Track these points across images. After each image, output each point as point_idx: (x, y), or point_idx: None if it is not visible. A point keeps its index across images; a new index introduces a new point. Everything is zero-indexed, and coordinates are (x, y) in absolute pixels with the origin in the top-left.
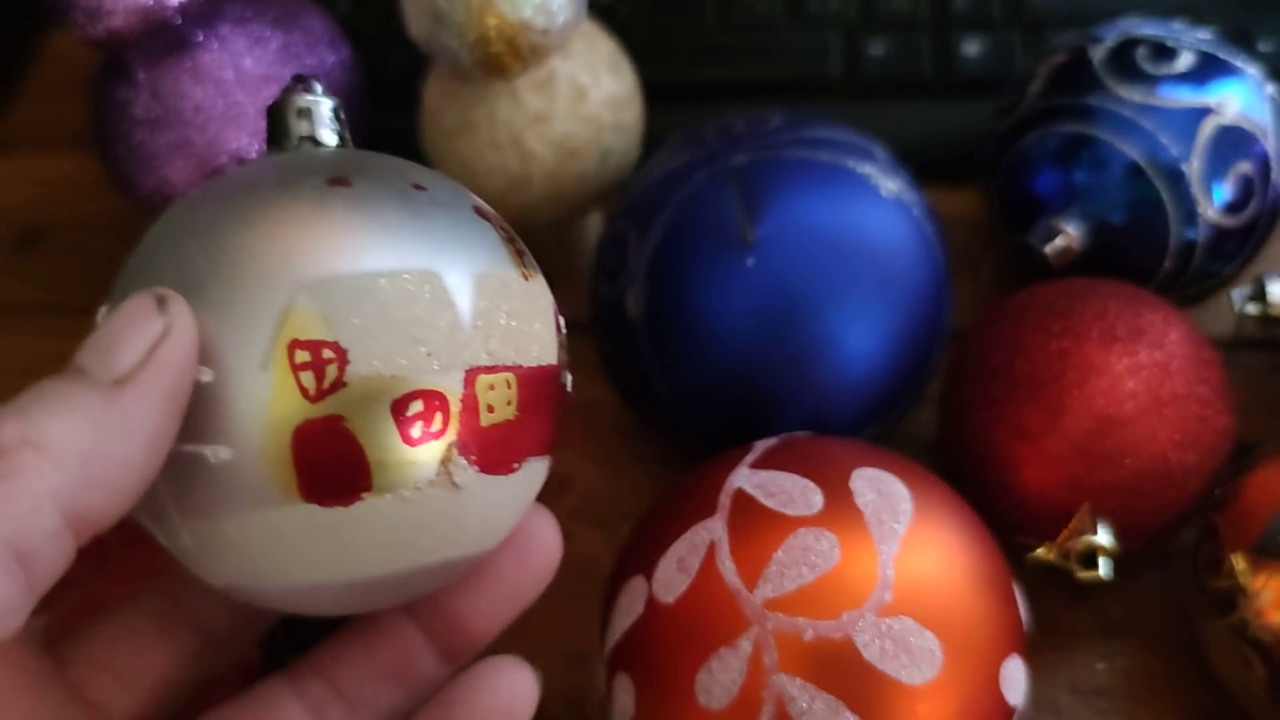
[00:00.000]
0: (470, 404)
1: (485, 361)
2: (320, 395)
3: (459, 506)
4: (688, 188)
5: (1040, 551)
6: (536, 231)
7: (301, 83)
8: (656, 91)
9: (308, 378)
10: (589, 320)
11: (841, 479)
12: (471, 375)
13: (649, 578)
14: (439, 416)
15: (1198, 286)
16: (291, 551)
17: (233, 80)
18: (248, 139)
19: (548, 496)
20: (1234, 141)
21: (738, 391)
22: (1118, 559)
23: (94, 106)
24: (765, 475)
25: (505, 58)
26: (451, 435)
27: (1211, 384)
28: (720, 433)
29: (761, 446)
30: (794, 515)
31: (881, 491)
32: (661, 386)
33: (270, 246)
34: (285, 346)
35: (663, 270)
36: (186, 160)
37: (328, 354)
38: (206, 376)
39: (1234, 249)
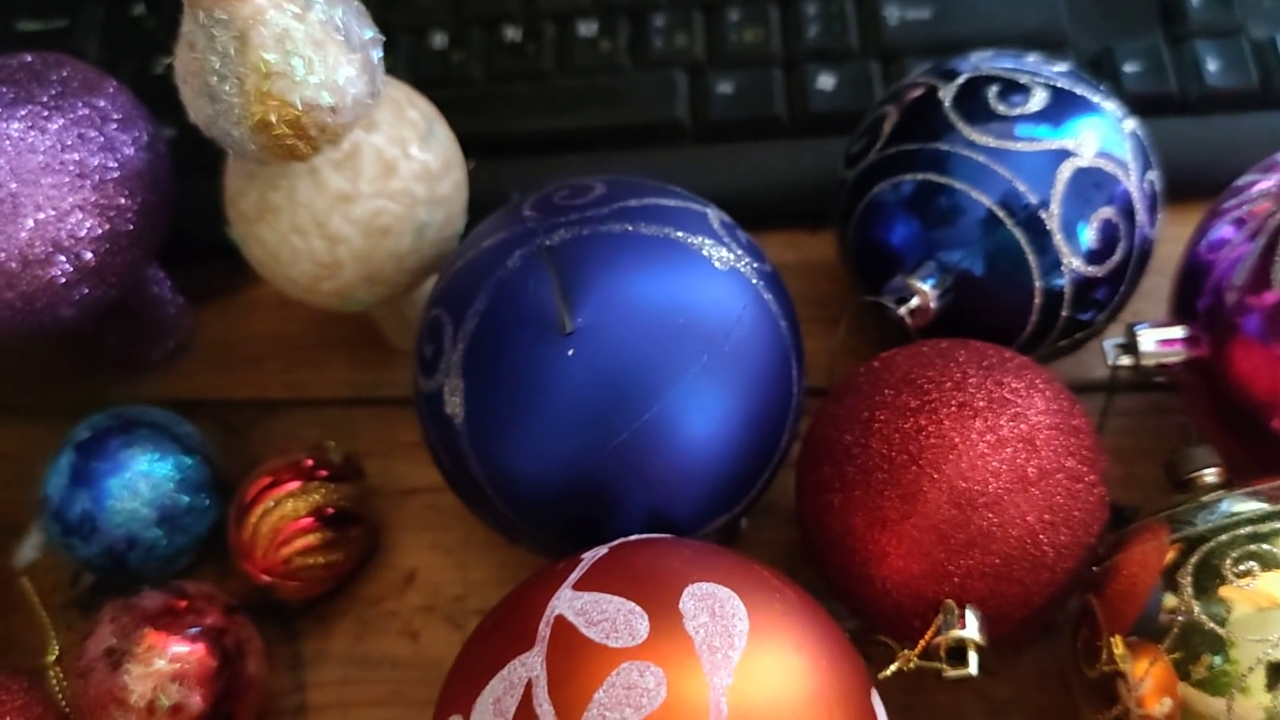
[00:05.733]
0: None
1: None
2: None
3: None
4: (503, 270)
5: (896, 665)
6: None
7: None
8: (496, 143)
9: None
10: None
11: (671, 599)
12: None
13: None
14: None
15: (1069, 339)
16: None
17: (6, 170)
18: (26, 235)
19: (392, 592)
20: (1095, 184)
21: (568, 492)
22: (989, 650)
23: None
24: (588, 598)
25: (292, 141)
26: None
27: (1081, 454)
28: (557, 534)
29: (589, 559)
30: (617, 647)
31: (715, 612)
32: (489, 488)
33: None
34: None
35: (479, 364)
36: None
37: None
38: None
39: (1103, 297)
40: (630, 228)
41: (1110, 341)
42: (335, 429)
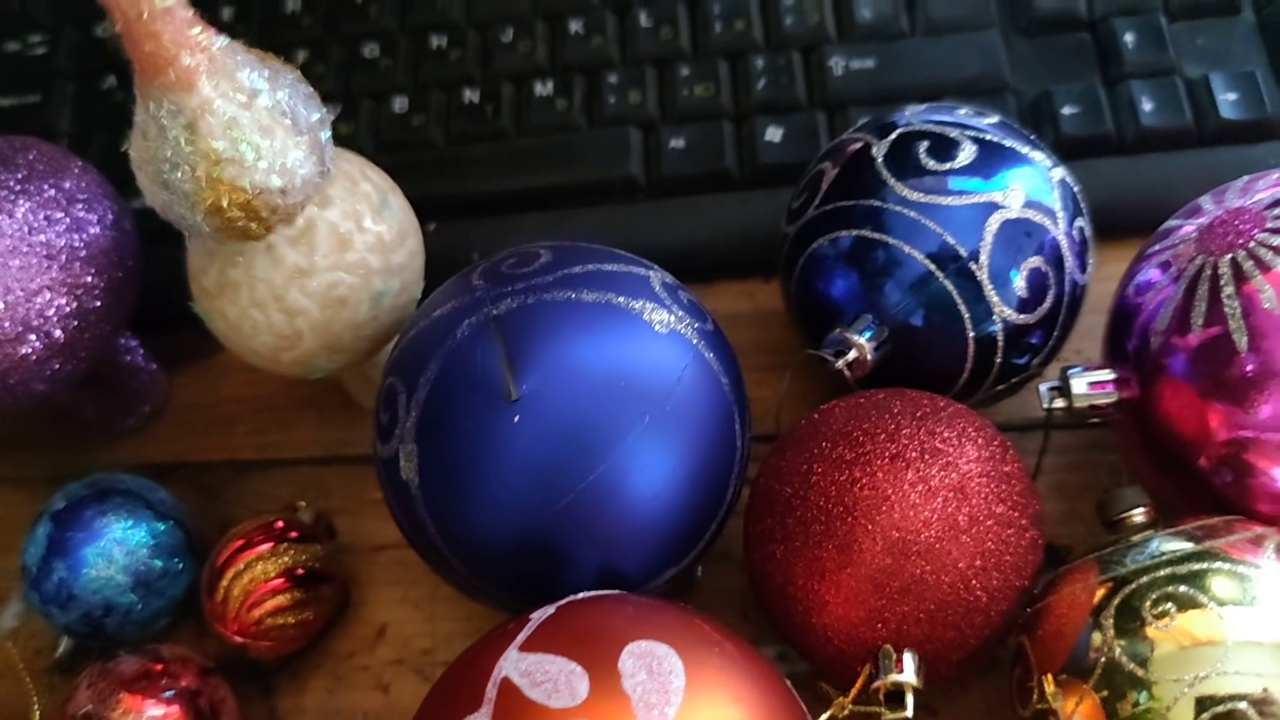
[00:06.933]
0: None
1: None
2: None
3: None
4: (453, 339)
5: (829, 714)
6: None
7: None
8: (458, 204)
9: None
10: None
11: (611, 658)
12: None
13: None
14: None
15: (1006, 384)
16: None
17: None
18: None
19: (364, 646)
20: (1024, 233)
21: (520, 552)
22: (928, 691)
23: None
24: (533, 659)
25: (244, 223)
26: None
27: (1013, 500)
28: (511, 591)
29: (536, 619)
30: (558, 708)
31: (652, 669)
32: (445, 549)
33: None
34: None
35: (431, 431)
36: None
37: None
38: None
39: (1038, 341)
40: (573, 295)
41: (1045, 385)
42: (307, 488)
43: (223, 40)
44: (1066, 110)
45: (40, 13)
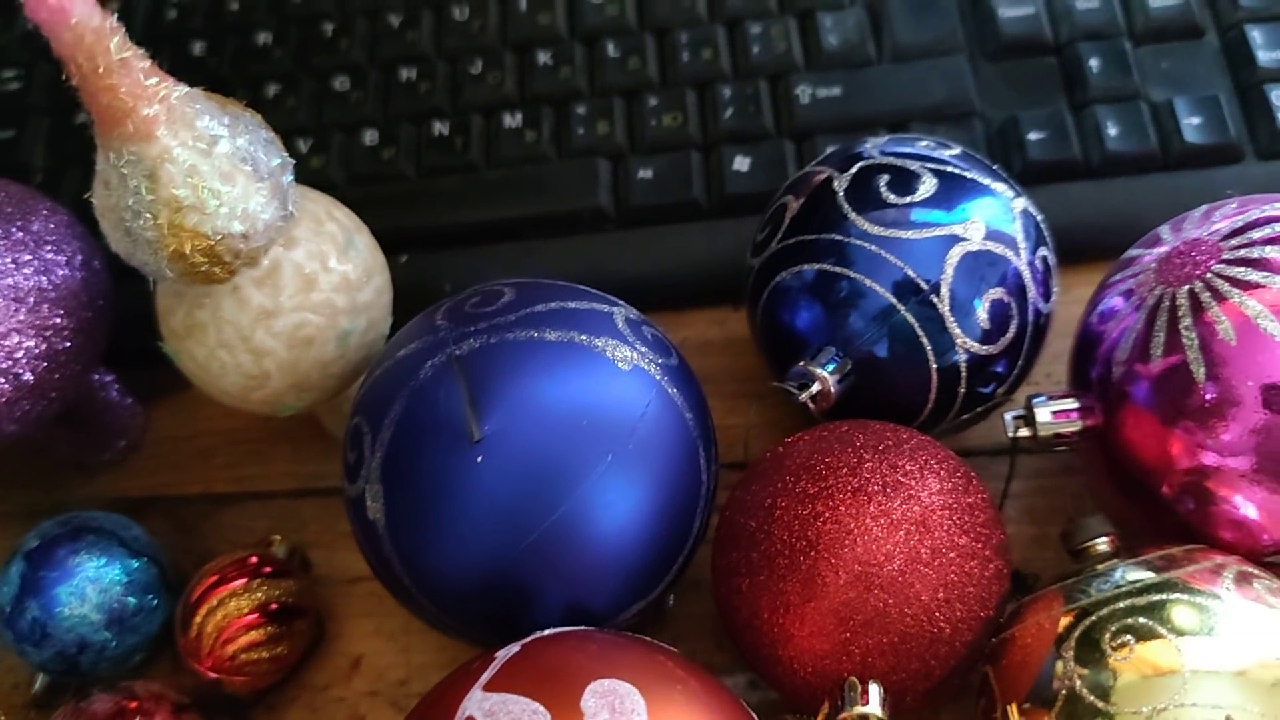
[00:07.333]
0: None
1: None
2: None
3: None
4: (416, 380)
5: None
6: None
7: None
8: (429, 236)
9: None
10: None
11: (573, 698)
12: None
13: None
14: None
15: (971, 413)
16: None
17: None
18: None
19: (339, 678)
20: (987, 264)
21: (486, 590)
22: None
23: None
24: (496, 700)
25: (207, 268)
26: None
27: (976, 531)
28: (479, 627)
29: (501, 658)
30: None
31: (615, 708)
32: (413, 587)
33: None
34: None
35: (396, 471)
36: None
37: None
38: None
39: (1002, 371)
40: (536, 334)
41: (1009, 414)
42: (283, 521)
43: (181, 89)
44: (1033, 135)
45: (14, 48)
